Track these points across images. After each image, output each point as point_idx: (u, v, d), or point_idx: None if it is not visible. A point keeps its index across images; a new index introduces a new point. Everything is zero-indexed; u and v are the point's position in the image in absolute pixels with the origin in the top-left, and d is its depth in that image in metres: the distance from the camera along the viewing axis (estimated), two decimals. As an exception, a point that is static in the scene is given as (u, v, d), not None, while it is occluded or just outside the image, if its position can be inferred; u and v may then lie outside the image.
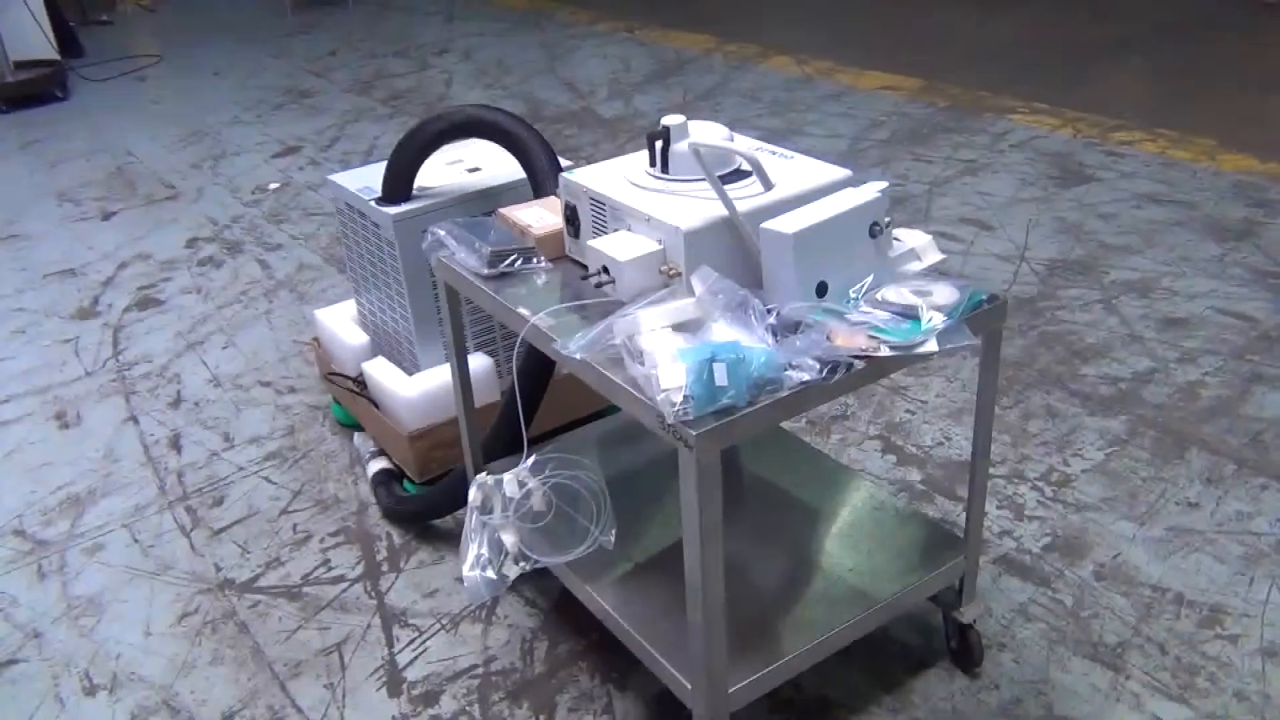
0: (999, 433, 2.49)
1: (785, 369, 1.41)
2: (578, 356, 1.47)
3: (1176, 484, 2.28)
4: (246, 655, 2.00)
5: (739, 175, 1.66)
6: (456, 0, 7.72)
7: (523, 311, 1.63)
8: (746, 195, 1.61)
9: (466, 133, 2.19)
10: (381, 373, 2.36)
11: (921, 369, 2.75)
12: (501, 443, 2.07)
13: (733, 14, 6.79)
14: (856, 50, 5.61)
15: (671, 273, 1.56)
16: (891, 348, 1.46)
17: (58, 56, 6.01)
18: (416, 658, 1.98)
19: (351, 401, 2.53)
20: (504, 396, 2.18)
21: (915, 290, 1.56)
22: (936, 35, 5.98)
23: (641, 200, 1.61)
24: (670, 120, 1.64)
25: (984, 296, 1.58)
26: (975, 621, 1.84)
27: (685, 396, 1.34)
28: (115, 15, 7.90)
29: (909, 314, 1.51)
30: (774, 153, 1.76)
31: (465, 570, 1.71)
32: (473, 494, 1.76)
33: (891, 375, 2.73)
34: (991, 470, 2.36)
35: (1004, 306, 1.60)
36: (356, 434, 2.55)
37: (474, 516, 1.77)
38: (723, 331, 1.45)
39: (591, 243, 1.61)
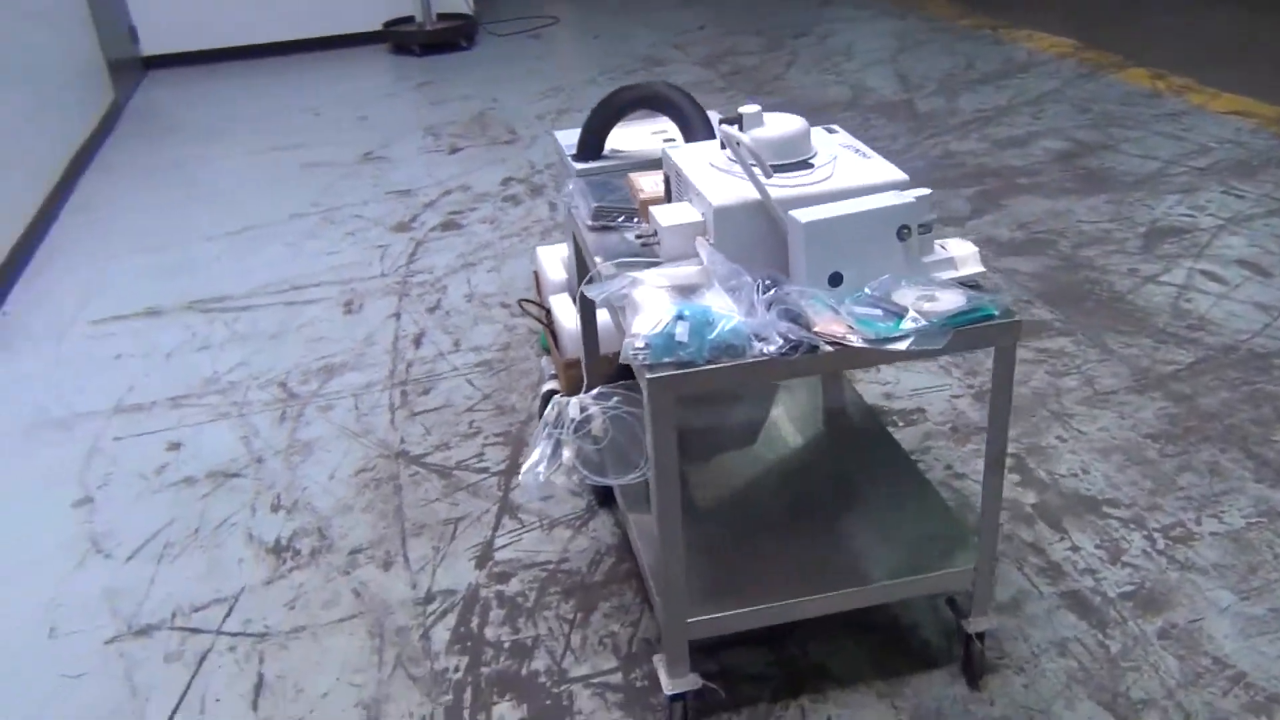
0: (1142, 476, 2.37)
1: (751, 339, 1.56)
2: (595, 299, 1.71)
3: (1312, 568, 2.09)
4: (390, 510, 2.45)
5: (804, 165, 1.79)
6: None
7: (597, 259, 1.89)
8: (803, 184, 1.74)
9: (648, 104, 2.45)
10: (559, 306, 2.71)
11: (1100, 401, 2.65)
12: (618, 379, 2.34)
13: (1112, 20, 6.39)
14: (1227, 70, 5.13)
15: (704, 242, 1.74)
16: (865, 339, 1.56)
17: (470, 12, 6.94)
18: (509, 544, 2.32)
19: (547, 329, 2.90)
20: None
21: (923, 294, 1.63)
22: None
23: (704, 177, 1.80)
24: (746, 109, 1.81)
25: (995, 312, 1.62)
26: (983, 635, 1.86)
27: (646, 344, 1.55)
28: (540, -22, 8.88)
29: (899, 313, 1.59)
30: (856, 150, 1.87)
31: (523, 469, 2.01)
32: (549, 410, 2.06)
33: (1061, 401, 2.66)
34: (1111, 511, 2.28)
35: (1016, 325, 1.63)
36: (544, 357, 2.93)
37: (545, 428, 2.06)
38: (714, 299, 1.63)
39: (653, 208, 1.83)
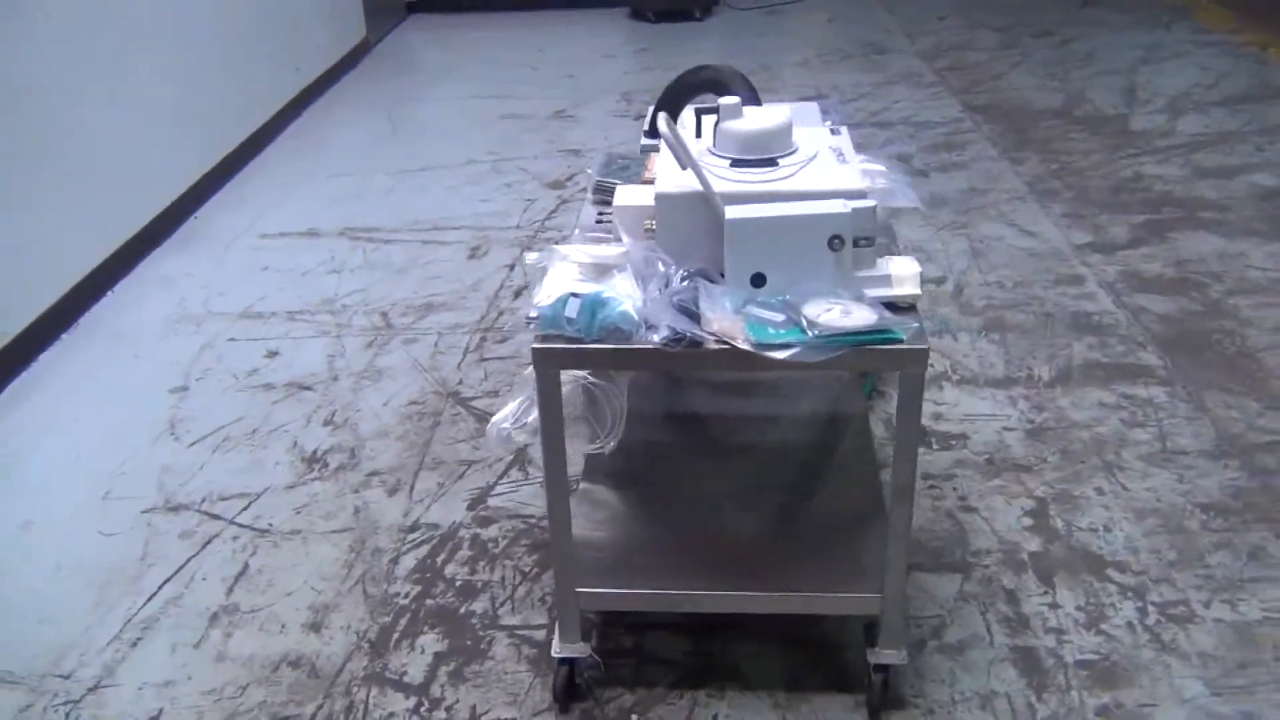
0: (1169, 546, 2.17)
1: (640, 326, 1.58)
2: (527, 264, 1.78)
3: (1315, 682, 1.85)
4: (420, 442, 2.62)
5: (769, 163, 1.76)
6: (1111, -15, 7.31)
7: (578, 230, 1.95)
8: (756, 180, 1.72)
9: (711, 89, 2.45)
10: (618, 277, 2.77)
11: (1164, 460, 2.42)
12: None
13: None
14: None
15: (649, 228, 1.76)
16: (749, 343, 1.54)
17: (709, -17, 7.02)
18: (506, 493, 2.43)
19: (620, 298, 2.97)
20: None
21: (832, 307, 1.58)
22: None
23: (670, 164, 1.81)
24: (725, 100, 1.80)
25: (902, 336, 1.55)
26: (886, 667, 1.79)
27: (537, 315, 1.60)
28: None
29: (798, 322, 1.56)
30: (838, 153, 1.81)
31: (492, 421, 2.11)
32: (527, 371, 2.14)
33: (1121, 452, 2.45)
34: (1115, 575, 2.11)
35: (924, 354, 1.56)
36: (613, 326, 3.00)
37: (527, 387, 2.15)
38: (622, 282, 1.65)
39: (619, 187, 1.87)
